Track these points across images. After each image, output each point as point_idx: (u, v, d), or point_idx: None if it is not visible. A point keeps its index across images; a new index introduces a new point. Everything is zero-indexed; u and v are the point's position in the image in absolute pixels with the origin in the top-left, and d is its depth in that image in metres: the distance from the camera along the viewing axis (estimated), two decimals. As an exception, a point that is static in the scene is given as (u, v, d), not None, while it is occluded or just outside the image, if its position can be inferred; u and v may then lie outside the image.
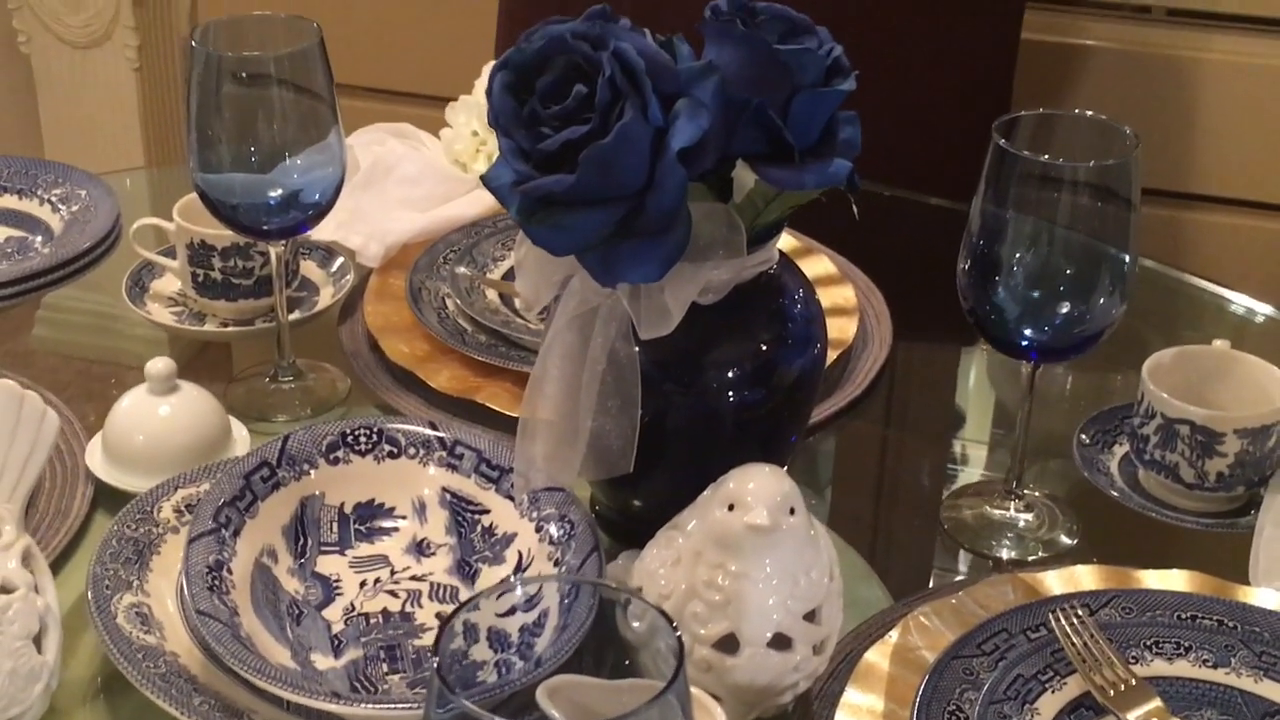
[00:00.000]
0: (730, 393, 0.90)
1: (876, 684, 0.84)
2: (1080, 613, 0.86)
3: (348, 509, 0.95)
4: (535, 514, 0.92)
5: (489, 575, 0.92)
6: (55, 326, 1.24)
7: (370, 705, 0.78)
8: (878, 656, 0.85)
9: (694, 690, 0.70)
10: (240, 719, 0.79)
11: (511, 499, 0.93)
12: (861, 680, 0.84)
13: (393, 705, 0.77)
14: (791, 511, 0.79)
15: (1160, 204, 1.91)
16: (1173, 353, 1.04)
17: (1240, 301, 1.30)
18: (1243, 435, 0.98)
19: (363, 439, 0.96)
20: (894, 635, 0.87)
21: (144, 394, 1.01)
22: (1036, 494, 1.03)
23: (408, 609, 0.90)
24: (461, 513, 0.95)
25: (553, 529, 0.91)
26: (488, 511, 0.94)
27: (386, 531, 0.95)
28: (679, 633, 0.55)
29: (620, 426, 0.87)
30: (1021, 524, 1.01)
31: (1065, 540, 1.00)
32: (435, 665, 0.53)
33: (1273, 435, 0.99)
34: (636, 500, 0.96)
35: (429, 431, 0.97)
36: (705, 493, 0.81)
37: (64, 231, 1.27)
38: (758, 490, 0.79)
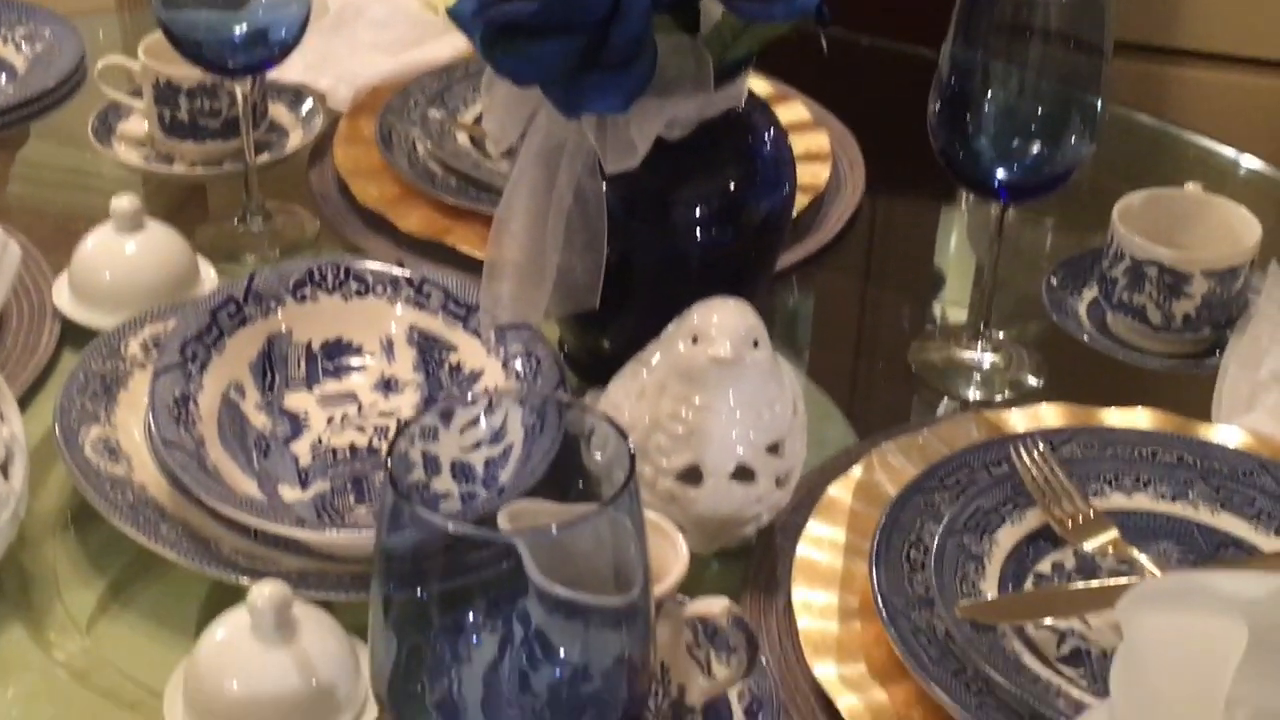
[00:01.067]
0: (697, 231, 0.90)
1: (839, 517, 0.85)
2: (1041, 447, 0.86)
3: (315, 347, 0.95)
4: (502, 351, 0.92)
5: (457, 413, 0.92)
6: (30, 183, 1.23)
7: (335, 532, 0.79)
8: (841, 491, 0.86)
9: (655, 516, 0.71)
10: (207, 548, 0.80)
11: (479, 336, 0.94)
12: (824, 513, 0.85)
13: (358, 531, 0.78)
14: (755, 345, 0.79)
15: (1145, 59, 1.89)
16: (1144, 195, 1.03)
17: (1223, 152, 1.29)
18: (1210, 277, 0.98)
19: (330, 277, 0.96)
20: (858, 471, 0.88)
21: (110, 232, 1.00)
22: (1004, 336, 1.04)
23: (375, 444, 0.90)
24: (429, 350, 0.95)
25: (518, 365, 0.91)
26: (455, 349, 0.94)
27: (354, 369, 0.95)
28: (632, 445, 0.56)
29: (586, 262, 0.87)
30: (988, 365, 1.01)
31: (1032, 381, 1.01)
32: (387, 471, 0.53)
33: (1240, 277, 0.99)
34: (605, 341, 0.96)
35: (396, 270, 0.97)
36: (670, 326, 0.82)
37: (28, 71, 1.26)
38: (721, 323, 0.79)
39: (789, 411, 0.82)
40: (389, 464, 0.54)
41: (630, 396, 0.82)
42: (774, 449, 0.81)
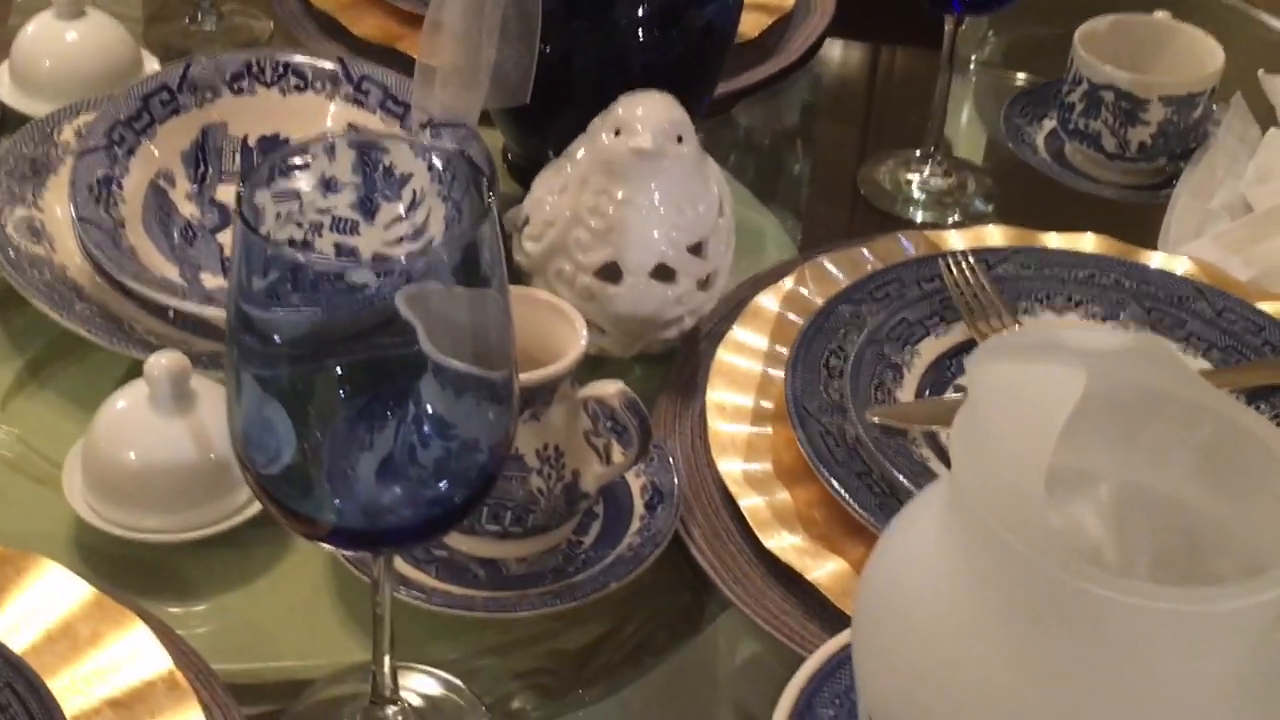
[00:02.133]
0: (639, 32, 0.88)
1: (764, 325, 0.84)
2: (972, 261, 0.85)
3: (251, 141, 0.94)
4: (433, 150, 0.91)
5: (387, 211, 0.91)
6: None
7: (246, 313, 0.78)
8: (769, 300, 0.85)
9: (553, 298, 0.70)
10: (120, 327, 0.79)
11: (413, 136, 0.92)
12: (749, 320, 0.84)
13: (266, 312, 0.77)
14: (680, 140, 0.78)
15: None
16: (1109, 20, 1.01)
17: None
18: (1167, 103, 0.96)
19: (268, 70, 0.94)
20: (789, 282, 0.87)
21: (51, 19, 0.99)
22: (956, 162, 1.02)
23: (308, 238, 0.89)
24: (366, 151, 0.93)
25: (448, 163, 0.89)
26: (389, 150, 0.93)
27: (293, 166, 0.94)
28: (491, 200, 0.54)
29: (519, 55, 0.85)
30: (937, 187, 1.00)
31: (981, 205, 0.99)
32: (237, 212, 0.52)
33: (1199, 106, 0.97)
34: (548, 148, 0.95)
35: (335, 66, 0.95)
36: (596, 120, 0.80)
37: None
38: (646, 115, 0.77)
39: (714, 212, 0.80)
40: (239, 204, 0.52)
41: (552, 191, 0.80)
42: (696, 249, 0.80)
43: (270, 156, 0.59)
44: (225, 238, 0.88)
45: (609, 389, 0.67)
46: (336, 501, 0.53)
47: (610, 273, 0.79)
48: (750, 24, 1.10)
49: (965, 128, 1.10)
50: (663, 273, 0.79)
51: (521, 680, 0.69)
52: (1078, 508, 0.51)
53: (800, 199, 1.06)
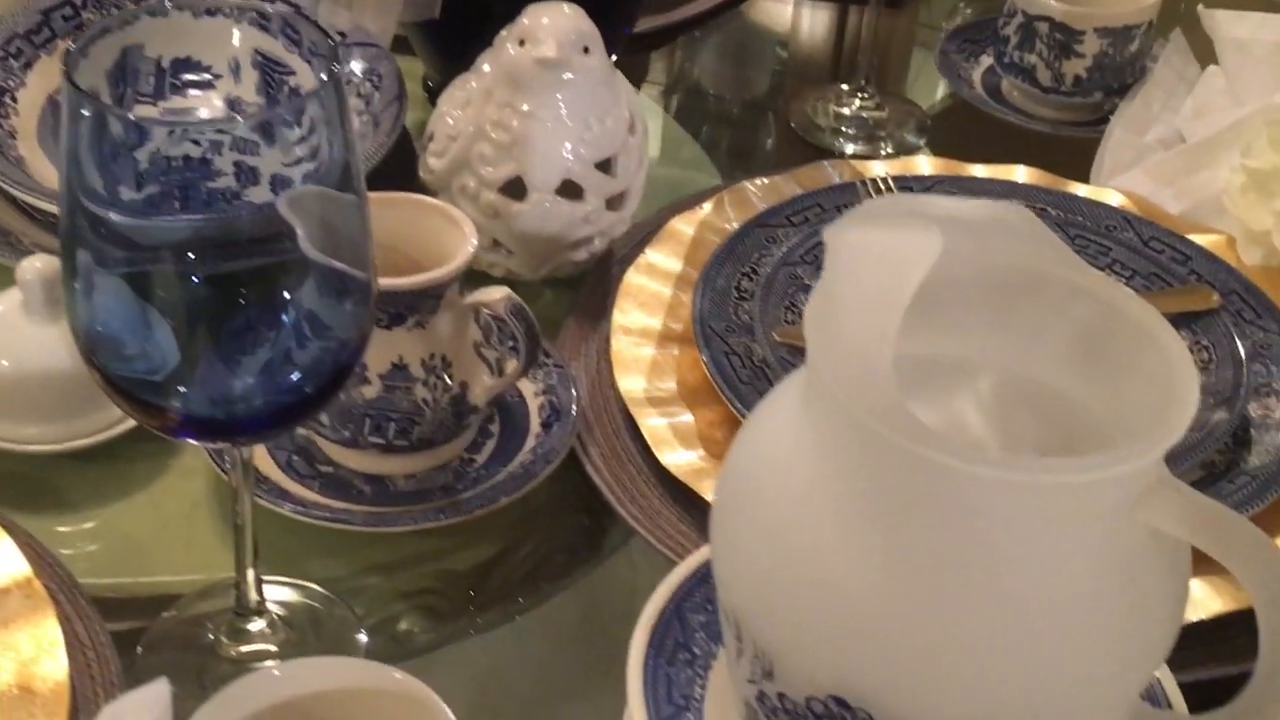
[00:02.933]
0: (556, -50, 0.85)
1: (678, 248, 0.81)
2: (893, 186, 0.83)
3: (165, 63, 0.91)
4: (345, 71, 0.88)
5: (286, 135, 0.88)
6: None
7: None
8: (685, 224, 0.83)
9: (440, 203, 0.67)
10: (7, 239, 0.77)
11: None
12: (664, 243, 0.81)
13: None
14: (586, 51, 0.75)
15: None
16: (1047, -47, 0.98)
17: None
18: (1103, 35, 0.94)
19: (177, -11, 0.91)
20: (707, 207, 0.84)
21: (-42, -63, 0.96)
22: (888, 94, 0.99)
23: (208, 156, 0.87)
24: (270, 74, 0.91)
25: (360, 82, 0.87)
26: (294, 73, 0.90)
27: (201, 86, 0.91)
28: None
29: (428, -31, 0.83)
30: (869, 120, 0.97)
31: (914, 139, 0.97)
32: (64, 73, 0.49)
33: (1135, 39, 0.95)
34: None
35: (247, -14, 0.92)
36: (502, 32, 0.77)
37: None
38: (551, 25, 0.75)
39: (623, 128, 0.78)
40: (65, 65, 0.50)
41: (457, 105, 0.78)
42: (605, 166, 0.78)
43: (95, 27, 0.57)
44: (141, 154, 0.85)
45: (495, 294, 0.65)
46: (183, 389, 0.51)
47: (515, 189, 0.77)
48: (684, -42, 1.09)
49: (901, 64, 1.08)
50: (569, 189, 0.77)
51: (408, 601, 0.66)
52: (960, 403, 0.49)
53: (730, 134, 1.04)
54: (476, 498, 0.66)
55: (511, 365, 0.68)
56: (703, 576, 0.54)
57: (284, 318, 0.53)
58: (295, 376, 0.51)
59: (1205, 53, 0.99)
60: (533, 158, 0.75)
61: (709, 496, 0.67)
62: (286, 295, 0.53)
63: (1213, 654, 0.62)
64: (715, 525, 0.46)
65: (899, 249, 0.41)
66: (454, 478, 0.68)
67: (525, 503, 0.69)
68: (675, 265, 0.80)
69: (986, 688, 0.41)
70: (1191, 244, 0.81)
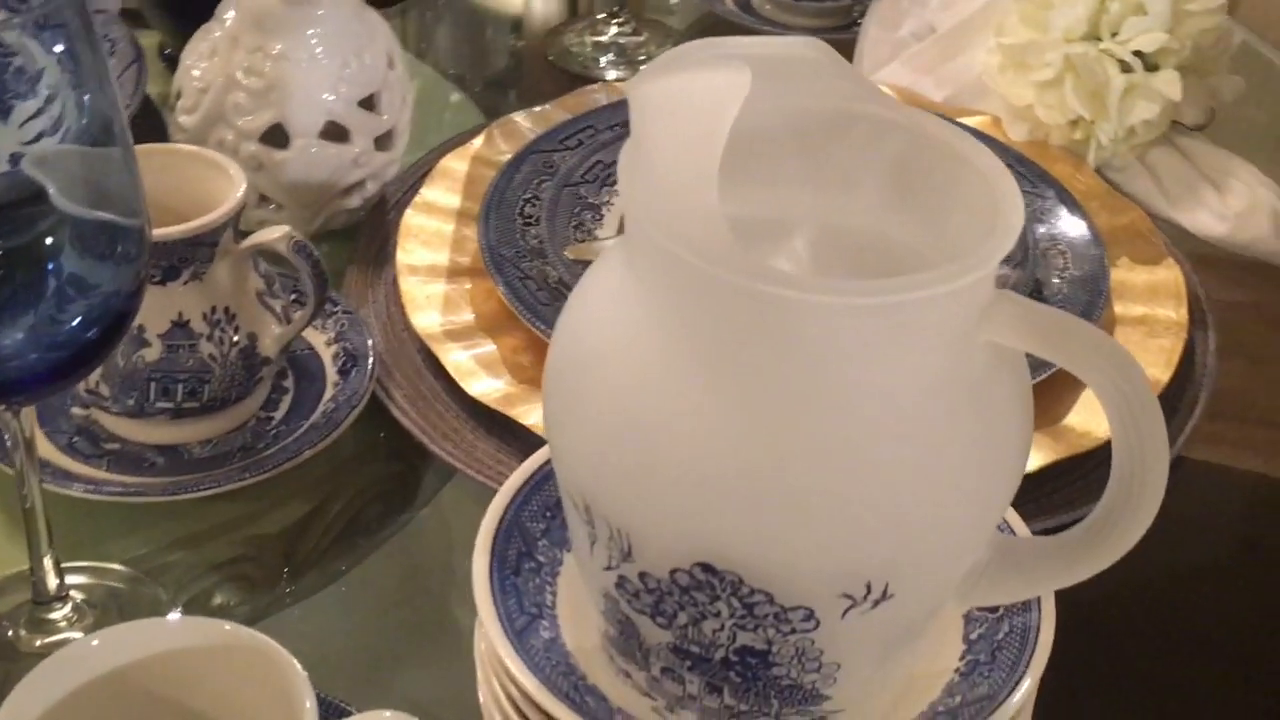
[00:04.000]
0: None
1: (454, 184, 0.78)
2: (664, 98, 0.81)
3: None
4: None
5: (20, 110, 0.83)
6: None
7: None
8: (458, 161, 0.80)
9: (206, 151, 0.64)
10: None
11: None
12: (438, 180, 0.78)
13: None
14: (334, -15, 0.72)
15: None
16: None
17: None
18: (846, -65, 0.94)
19: (-123, -26, 0.85)
20: (478, 141, 0.82)
21: None
22: (643, 18, 0.98)
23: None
24: (-1, 51, 0.85)
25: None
26: (16, 52, 0.85)
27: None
28: None
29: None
30: (626, 45, 0.96)
31: (672, 59, 0.95)
32: None
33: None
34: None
35: (-45, -36, 0.86)
36: (243, -29, 0.74)
37: None
38: (293, -40, 0.71)
39: (382, 63, 0.75)
40: None
41: (203, 57, 0.74)
42: (368, 104, 0.74)
43: None
44: None
45: (274, 233, 0.61)
46: (-52, 352, 0.46)
47: (276, 137, 0.73)
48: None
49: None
50: (334, 132, 0.74)
51: (220, 572, 0.62)
52: (778, 263, 0.48)
53: (487, 74, 1.02)
54: (280, 453, 0.63)
55: (299, 314, 0.65)
56: (538, 483, 0.52)
57: (49, 276, 0.50)
58: (70, 328, 0.48)
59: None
60: (291, 102, 0.72)
61: (525, 421, 0.64)
62: (49, 254, 0.49)
63: (1039, 508, 0.62)
64: (550, 412, 0.44)
65: (707, 88, 0.39)
66: (252, 438, 0.65)
67: (333, 455, 0.65)
68: (454, 200, 0.77)
69: (848, 526, 0.39)
70: (960, 127, 0.81)
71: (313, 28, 0.71)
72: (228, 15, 0.73)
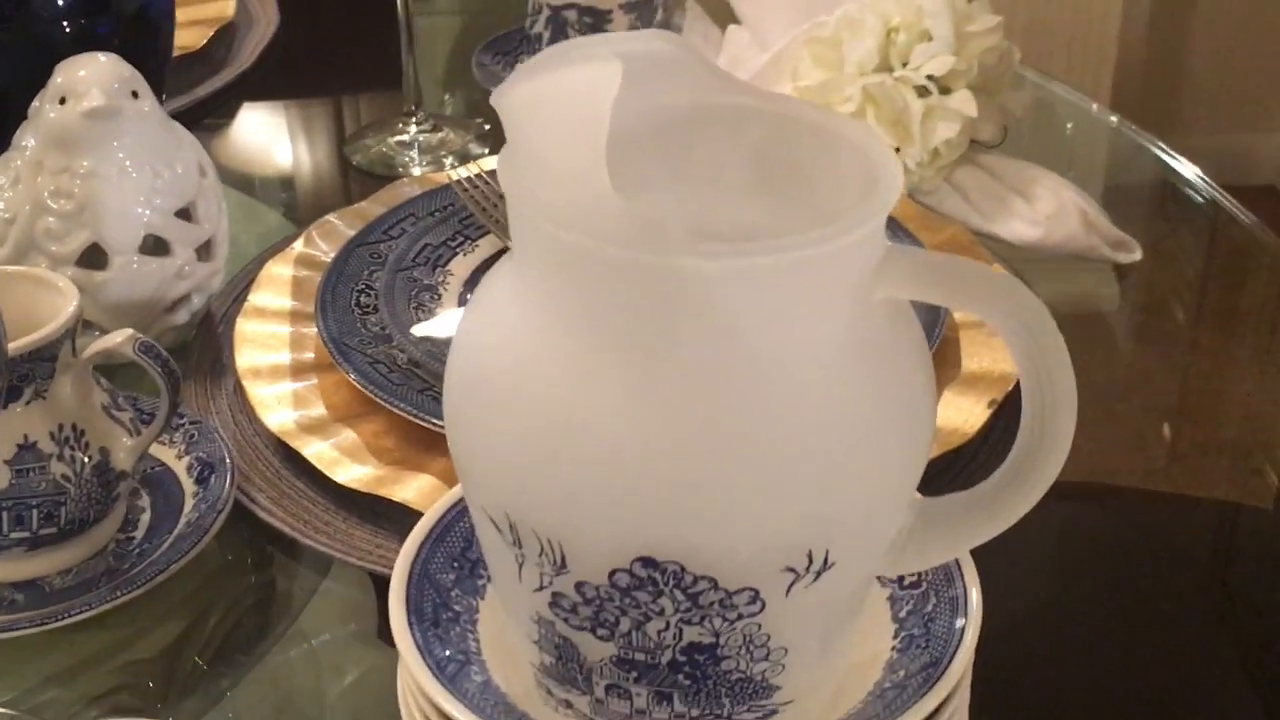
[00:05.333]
0: (64, 24, 0.80)
1: (282, 288, 0.77)
2: (485, 176, 0.81)
3: None
4: None
5: None
6: None
7: None
8: (281, 266, 0.78)
9: (32, 270, 0.61)
10: None
11: None
12: (265, 286, 0.76)
13: None
14: (135, 95, 0.70)
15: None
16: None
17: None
18: (628, 10, 0.96)
19: None
20: (299, 245, 0.80)
21: None
22: (439, 115, 0.98)
23: None
24: None
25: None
26: None
27: None
28: None
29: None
30: (428, 143, 0.96)
31: (477, 148, 0.96)
32: None
33: (658, 9, 0.97)
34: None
35: None
36: (35, 101, 0.71)
37: None
38: (91, 75, 0.69)
39: (194, 171, 0.73)
40: None
41: (5, 188, 0.71)
42: (185, 214, 0.72)
43: None
44: None
45: (117, 338, 0.59)
46: None
47: (94, 258, 0.70)
48: (193, 36, 1.05)
49: (444, 79, 1.08)
50: (155, 245, 0.71)
51: (100, 705, 0.59)
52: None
53: (294, 187, 1.00)
54: (149, 568, 0.59)
55: (151, 424, 0.62)
56: (439, 536, 0.50)
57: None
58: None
59: (723, 14, 1.03)
60: (107, 218, 0.70)
61: (399, 498, 0.63)
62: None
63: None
64: (458, 439, 0.43)
65: (580, 79, 0.39)
66: (115, 560, 0.61)
67: (200, 569, 0.63)
68: (284, 303, 0.76)
69: (782, 494, 0.39)
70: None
71: (118, 139, 0.69)
72: (26, 141, 0.71)
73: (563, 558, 0.41)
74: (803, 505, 0.39)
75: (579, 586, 0.41)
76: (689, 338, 0.39)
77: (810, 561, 0.40)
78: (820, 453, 0.39)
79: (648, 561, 0.40)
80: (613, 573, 0.40)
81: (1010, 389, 0.68)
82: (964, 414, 0.67)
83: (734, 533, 0.39)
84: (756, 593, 0.40)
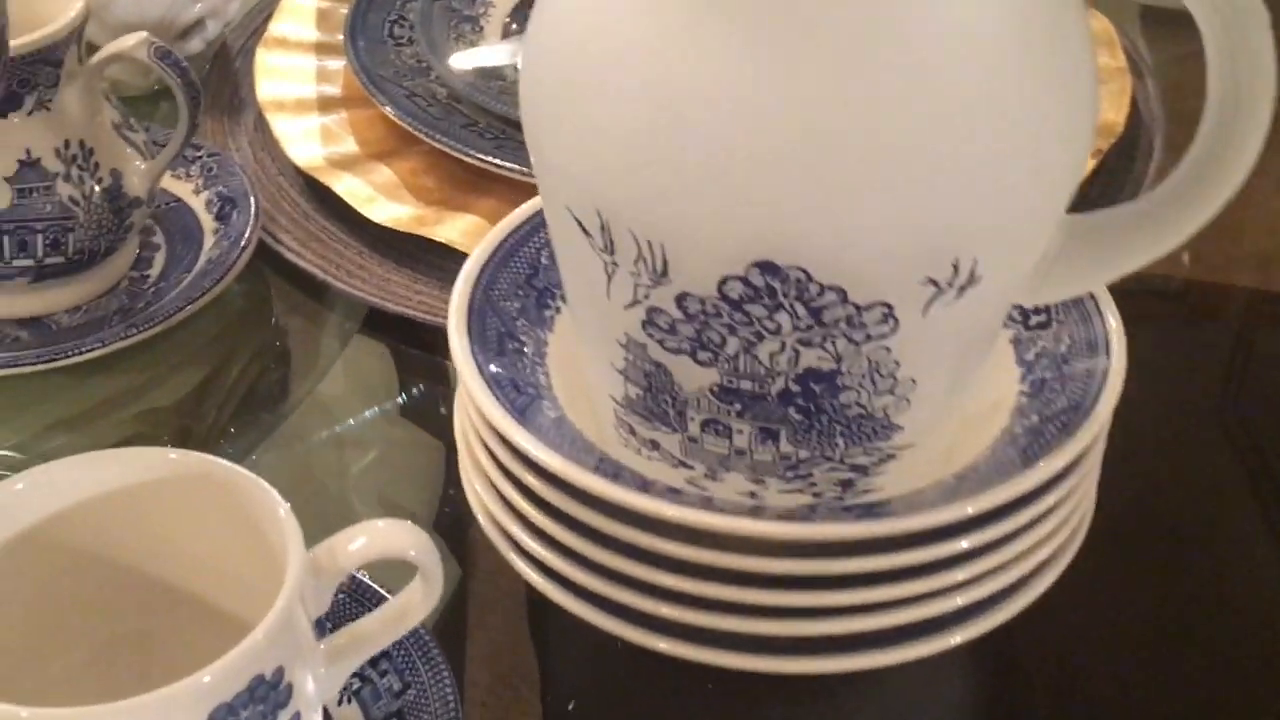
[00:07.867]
0: None
1: (304, 17, 0.70)
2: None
3: None
4: None
5: None
6: None
7: None
8: (306, -3, 0.71)
9: None
10: None
11: None
12: (286, 15, 0.69)
13: None
14: None
15: None
16: None
17: None
18: None
19: None
20: (323, -24, 0.72)
21: None
22: None
23: None
24: None
25: None
26: None
27: None
28: None
29: None
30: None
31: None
32: None
33: None
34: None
35: None
36: None
37: None
38: None
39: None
40: None
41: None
42: None
43: None
44: None
45: (129, 40, 0.52)
46: None
47: None
48: None
49: None
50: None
51: (114, 454, 0.53)
52: None
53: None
54: (167, 305, 0.53)
55: (167, 145, 0.55)
56: (500, 260, 0.44)
57: None
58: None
59: None
60: None
61: (442, 238, 0.57)
62: None
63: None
64: (540, 130, 0.36)
65: None
66: (128, 299, 0.55)
67: (222, 314, 0.57)
68: (308, 33, 0.69)
69: (929, 186, 0.33)
70: None
71: None
72: None
73: (664, 263, 0.34)
74: (953, 202, 0.33)
75: (681, 300, 0.35)
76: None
77: (955, 273, 0.34)
78: (974, 139, 0.33)
79: (767, 267, 0.34)
80: (723, 281, 0.34)
81: (1116, 139, 0.61)
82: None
83: (871, 233, 0.33)
84: (890, 309, 0.34)
